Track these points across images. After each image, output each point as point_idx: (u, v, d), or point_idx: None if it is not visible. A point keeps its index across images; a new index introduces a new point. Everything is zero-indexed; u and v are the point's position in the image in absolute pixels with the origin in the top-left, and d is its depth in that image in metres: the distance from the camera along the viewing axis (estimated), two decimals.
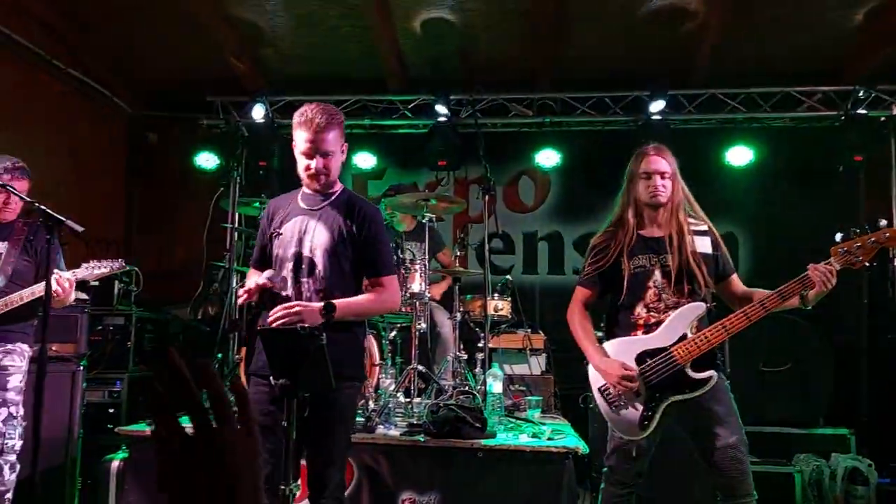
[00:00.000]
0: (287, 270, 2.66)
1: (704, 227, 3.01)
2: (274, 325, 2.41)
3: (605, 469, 3.00)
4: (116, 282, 5.40)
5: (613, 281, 2.98)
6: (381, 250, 2.76)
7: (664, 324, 2.85)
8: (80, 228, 2.65)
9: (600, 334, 3.09)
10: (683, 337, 2.80)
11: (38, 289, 3.37)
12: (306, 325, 2.07)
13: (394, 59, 6.23)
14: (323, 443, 2.53)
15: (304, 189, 2.84)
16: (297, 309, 2.45)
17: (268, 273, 2.58)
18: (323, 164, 2.66)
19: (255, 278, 2.62)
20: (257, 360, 2.65)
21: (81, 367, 4.38)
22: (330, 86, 6.43)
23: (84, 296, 4.92)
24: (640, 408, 2.83)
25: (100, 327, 5.21)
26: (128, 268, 3.64)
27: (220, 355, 4.91)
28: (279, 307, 2.46)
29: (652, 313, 2.90)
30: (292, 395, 2.09)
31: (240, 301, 2.62)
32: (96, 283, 5.21)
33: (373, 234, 2.73)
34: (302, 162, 2.69)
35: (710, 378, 2.77)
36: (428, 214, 4.68)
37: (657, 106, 6.04)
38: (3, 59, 5.17)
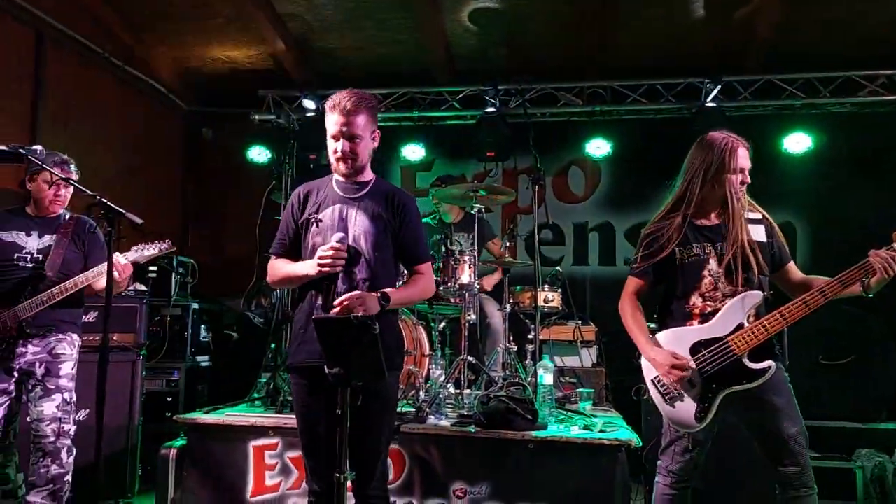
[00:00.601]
0: None
1: (758, 216, 2.93)
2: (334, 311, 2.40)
3: (660, 462, 2.95)
4: (173, 274, 5.55)
5: (667, 271, 2.92)
6: (419, 238, 2.75)
7: (720, 313, 2.77)
8: (139, 221, 2.71)
9: (654, 325, 3.03)
10: (740, 326, 2.72)
11: (91, 275, 3.48)
12: (360, 315, 2.07)
13: (442, 50, 6.22)
14: (370, 432, 2.51)
15: (336, 176, 2.77)
16: (359, 293, 2.45)
17: (338, 235, 2.53)
18: (350, 147, 2.61)
19: (331, 241, 2.53)
20: (295, 353, 2.66)
21: (141, 357, 4.51)
22: (378, 78, 6.47)
23: (143, 287, 5.08)
24: (696, 400, 2.76)
25: (158, 318, 5.37)
26: (174, 249, 3.70)
27: (273, 345, 5.00)
28: (345, 296, 2.43)
29: (708, 302, 2.82)
30: (346, 384, 2.11)
31: (326, 262, 2.47)
32: (154, 275, 5.39)
33: (410, 223, 2.71)
34: (331, 145, 2.66)
35: (768, 368, 2.69)
36: (477, 205, 4.67)
37: (712, 93, 5.90)
38: (64, 58, 5.34)
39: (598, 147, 6.34)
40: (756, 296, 2.77)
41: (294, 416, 3.40)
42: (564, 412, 4.30)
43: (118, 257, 3.40)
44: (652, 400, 2.92)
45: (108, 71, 5.91)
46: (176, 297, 5.54)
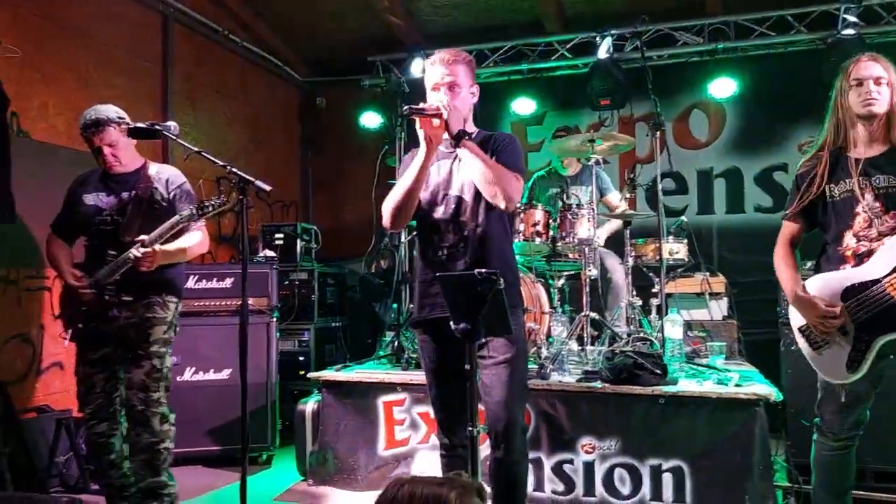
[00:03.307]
0: (441, 213, 2.64)
1: None
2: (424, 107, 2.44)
3: (817, 419, 2.77)
4: (298, 240, 5.77)
5: (820, 211, 2.70)
6: (509, 154, 2.62)
7: (876, 253, 2.53)
8: (267, 188, 2.79)
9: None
10: None
11: (172, 224, 3.17)
12: (483, 270, 2.06)
13: None
14: (501, 385, 2.50)
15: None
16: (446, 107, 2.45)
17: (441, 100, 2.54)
18: (450, 97, 2.56)
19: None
20: (420, 309, 2.68)
21: (274, 319, 4.74)
22: (485, 33, 6.36)
23: (272, 253, 5.32)
24: (847, 348, 2.55)
25: (286, 282, 5.61)
26: (226, 204, 3.23)
27: (395, 305, 5.12)
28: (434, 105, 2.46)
29: (862, 242, 2.58)
30: (473, 339, 2.11)
31: (433, 110, 2.46)
32: (280, 242, 5.64)
33: (504, 150, 2.63)
34: (432, 98, 2.60)
35: None
36: (594, 156, 4.53)
37: (850, 19, 5.38)
38: (184, 35, 5.59)
39: (722, 87, 5.96)
40: None
41: (420, 373, 3.55)
42: (695, 366, 4.15)
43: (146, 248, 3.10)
44: (800, 350, 2.74)
45: (228, 48, 6.15)
46: (301, 262, 5.78)
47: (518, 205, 4.43)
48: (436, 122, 2.46)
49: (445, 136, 2.52)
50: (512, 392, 2.52)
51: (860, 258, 2.59)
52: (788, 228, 2.82)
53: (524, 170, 2.69)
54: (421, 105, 2.49)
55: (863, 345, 2.53)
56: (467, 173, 2.57)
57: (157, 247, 3.11)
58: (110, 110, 3.22)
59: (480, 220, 2.58)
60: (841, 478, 2.75)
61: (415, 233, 4.51)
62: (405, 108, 2.48)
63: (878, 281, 2.50)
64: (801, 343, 2.72)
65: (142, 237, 3.11)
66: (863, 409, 2.65)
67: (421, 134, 2.50)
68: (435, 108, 2.46)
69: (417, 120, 2.49)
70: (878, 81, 2.59)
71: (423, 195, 2.64)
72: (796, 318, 2.73)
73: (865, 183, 2.60)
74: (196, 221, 3.24)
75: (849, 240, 2.63)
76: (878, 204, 2.57)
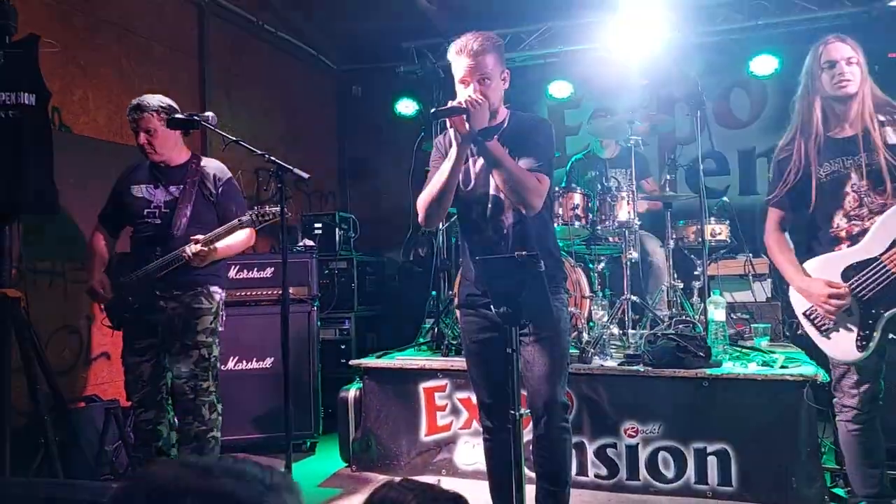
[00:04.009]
0: (478, 211, 2.60)
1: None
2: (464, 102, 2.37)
3: (835, 399, 2.79)
4: (336, 229, 5.81)
5: (806, 193, 2.70)
6: (536, 145, 2.55)
7: (870, 232, 2.55)
8: (305, 175, 2.82)
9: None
10: (895, 243, 2.49)
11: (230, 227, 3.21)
12: (524, 252, 2.04)
13: None
14: (544, 364, 2.50)
15: None
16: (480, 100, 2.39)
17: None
18: (480, 90, 2.44)
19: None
20: (462, 293, 2.71)
21: (315, 308, 4.78)
22: (518, 15, 6.28)
23: (311, 242, 5.37)
24: (855, 328, 2.57)
25: (326, 272, 5.66)
26: (275, 217, 3.17)
27: (434, 293, 5.13)
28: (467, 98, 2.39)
29: (854, 222, 2.61)
30: (514, 322, 2.10)
31: (460, 107, 2.38)
32: (319, 231, 5.68)
33: (531, 138, 2.56)
34: (461, 92, 2.48)
35: None
36: (633, 137, 4.46)
37: None
38: (219, 27, 5.64)
39: (764, 65, 5.79)
40: None
41: (460, 359, 3.61)
42: (739, 349, 4.08)
43: (195, 247, 3.16)
44: (806, 335, 2.75)
45: (263, 39, 6.19)
46: (341, 251, 5.82)
47: (556, 188, 4.40)
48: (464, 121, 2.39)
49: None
50: (551, 367, 2.50)
51: (855, 238, 2.60)
52: (775, 214, 2.85)
53: (551, 162, 2.61)
54: (448, 105, 2.42)
55: (870, 322, 2.55)
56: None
57: (211, 246, 3.17)
58: (154, 98, 3.30)
59: (518, 217, 2.55)
60: (870, 454, 2.75)
61: (454, 218, 4.56)
62: (432, 112, 2.48)
63: (877, 258, 2.53)
64: (808, 328, 2.73)
65: (197, 236, 3.17)
66: (877, 380, 2.67)
67: (451, 133, 2.45)
68: (460, 104, 2.38)
69: (447, 121, 2.45)
70: (849, 62, 2.63)
71: (461, 192, 2.60)
72: (799, 303, 2.74)
73: (850, 162, 2.62)
74: (255, 227, 3.27)
75: (839, 220, 2.65)
76: (864, 182, 2.58)
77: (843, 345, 2.63)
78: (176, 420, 3.38)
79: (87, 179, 4.06)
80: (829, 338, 2.66)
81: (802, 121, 2.75)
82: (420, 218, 2.64)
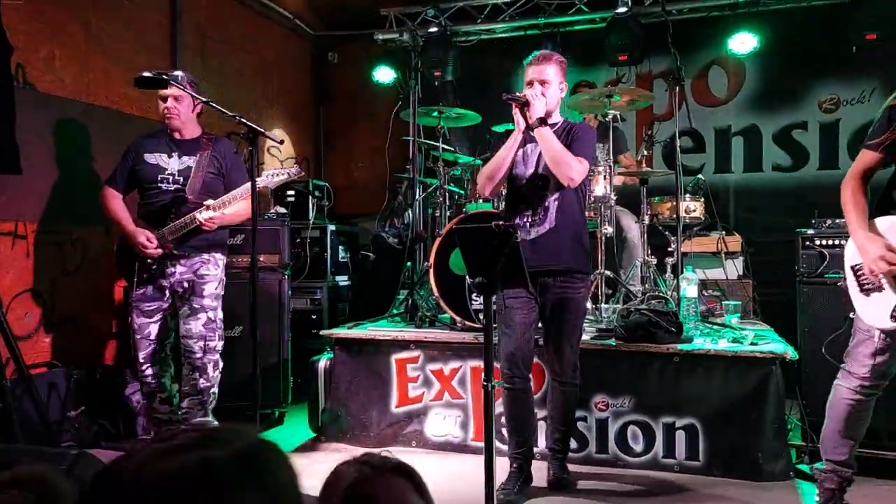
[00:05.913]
0: (528, 187, 3.20)
1: None
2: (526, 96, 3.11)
3: (844, 363, 2.75)
4: (310, 197, 5.71)
5: None
6: (580, 139, 3.17)
7: None
8: (279, 139, 2.77)
9: None
10: None
11: (238, 193, 3.50)
12: (501, 223, 2.01)
13: None
14: (555, 328, 3.18)
15: None
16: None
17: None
18: (541, 91, 3.14)
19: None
20: None
21: (286, 276, 4.71)
22: None
23: (283, 210, 5.27)
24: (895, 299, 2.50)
25: (298, 240, 5.57)
26: (303, 174, 3.71)
27: (409, 264, 5.08)
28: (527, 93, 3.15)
29: None
30: (490, 293, 2.07)
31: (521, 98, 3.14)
32: (292, 199, 5.58)
33: (578, 140, 3.15)
34: (527, 91, 3.17)
35: None
36: (611, 112, 4.42)
37: None
38: None
39: (743, 43, 5.79)
40: None
41: (433, 331, 4.05)
42: (710, 325, 4.11)
43: (206, 214, 3.47)
44: (846, 287, 2.70)
45: (239, 1, 6.02)
46: (314, 220, 5.73)
47: None
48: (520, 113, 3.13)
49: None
50: (564, 333, 3.17)
51: None
52: (868, 157, 2.66)
53: (591, 155, 3.27)
54: (515, 94, 3.18)
55: None
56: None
57: (221, 212, 3.48)
58: (181, 72, 3.50)
59: (558, 195, 3.15)
60: (856, 426, 2.74)
61: (430, 189, 4.63)
62: (503, 95, 3.19)
63: None
64: (850, 281, 2.67)
65: (208, 202, 3.46)
66: (893, 359, 2.62)
67: (516, 116, 3.16)
68: (524, 96, 3.12)
69: (513, 105, 3.16)
70: None
71: (516, 171, 3.25)
72: (851, 255, 2.67)
73: None
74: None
75: None
76: None
77: (877, 309, 2.56)
78: (182, 375, 3.68)
79: (51, 138, 3.93)
80: (867, 296, 2.59)
81: None
82: (479, 189, 3.36)
